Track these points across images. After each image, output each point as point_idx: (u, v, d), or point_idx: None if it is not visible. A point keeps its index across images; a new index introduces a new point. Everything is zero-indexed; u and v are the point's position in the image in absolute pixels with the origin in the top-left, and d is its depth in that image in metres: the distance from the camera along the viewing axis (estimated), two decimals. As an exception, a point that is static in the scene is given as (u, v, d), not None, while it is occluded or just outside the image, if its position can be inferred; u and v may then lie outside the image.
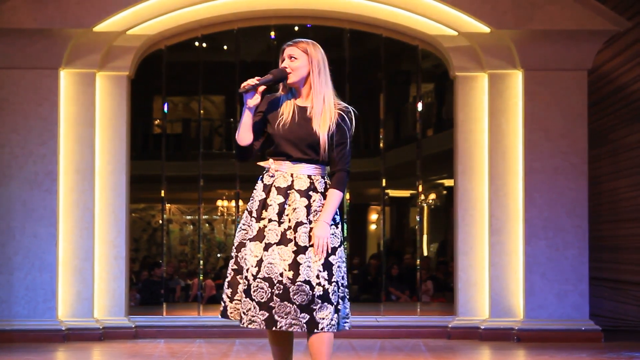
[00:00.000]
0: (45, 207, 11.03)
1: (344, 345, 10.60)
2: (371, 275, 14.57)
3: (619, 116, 12.89)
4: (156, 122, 16.20)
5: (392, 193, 15.54)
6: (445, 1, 11.19)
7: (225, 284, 5.28)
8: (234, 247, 5.29)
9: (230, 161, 13.61)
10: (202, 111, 13.52)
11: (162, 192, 12.76)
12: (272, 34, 12.75)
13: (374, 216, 17.02)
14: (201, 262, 13.71)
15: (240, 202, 13.06)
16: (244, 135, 5.25)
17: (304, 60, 5.24)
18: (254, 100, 5.20)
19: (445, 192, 15.77)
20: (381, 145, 12.98)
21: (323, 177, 5.26)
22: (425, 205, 15.88)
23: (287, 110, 5.26)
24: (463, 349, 10.32)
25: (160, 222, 14.33)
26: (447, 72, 12.03)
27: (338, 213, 5.26)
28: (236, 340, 11.06)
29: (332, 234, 5.17)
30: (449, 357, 9.55)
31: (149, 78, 12.53)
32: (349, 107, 5.32)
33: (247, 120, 5.22)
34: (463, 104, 11.62)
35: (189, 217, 17.95)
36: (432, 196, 16.20)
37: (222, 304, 5.29)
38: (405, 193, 15.96)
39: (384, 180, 12.92)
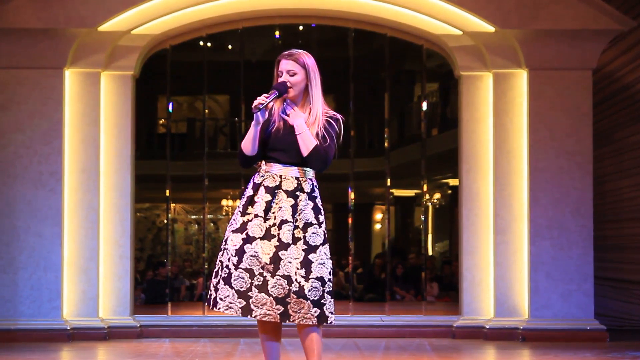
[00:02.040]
0: (50, 206, 11.04)
1: (349, 344, 10.60)
2: (376, 275, 14.57)
3: (623, 116, 12.88)
4: (161, 121, 16.20)
5: (397, 192, 15.53)
6: (450, 0, 11.18)
7: (214, 273, 5.60)
8: (223, 240, 5.58)
9: (235, 161, 13.55)
10: (206, 111, 13.52)
11: (167, 191, 12.76)
12: (277, 33, 12.75)
13: (378, 215, 17.02)
14: (206, 261, 13.71)
15: (245, 202, 13.04)
16: (252, 147, 5.56)
17: (302, 74, 5.53)
18: (264, 117, 5.50)
19: (450, 191, 15.76)
20: (386, 144, 12.97)
21: (310, 179, 5.55)
22: (430, 204, 15.88)
23: (279, 117, 5.56)
24: (468, 349, 10.32)
25: (165, 221, 14.34)
26: (451, 72, 12.03)
27: (322, 214, 5.54)
28: (241, 340, 11.07)
29: (314, 233, 5.45)
30: (454, 356, 9.54)
31: (154, 78, 12.53)
32: (337, 114, 5.61)
33: (256, 135, 5.53)
34: (468, 104, 11.61)
35: (193, 217, 17.94)
36: (437, 196, 16.19)
37: (209, 293, 5.62)
38: (410, 192, 15.95)
39: (388, 180, 12.91)
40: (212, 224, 17.67)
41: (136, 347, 10.34)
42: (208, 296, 5.59)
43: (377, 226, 16.93)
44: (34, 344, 10.58)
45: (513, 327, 11.20)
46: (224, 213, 17.84)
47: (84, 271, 11.18)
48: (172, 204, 14.99)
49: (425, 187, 12.95)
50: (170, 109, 13.22)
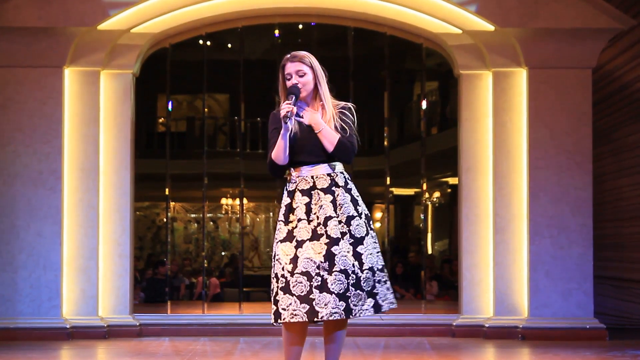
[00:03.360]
0: (49, 205, 11.04)
1: (349, 343, 10.60)
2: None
3: (622, 115, 12.88)
4: (160, 120, 16.23)
5: (397, 191, 15.56)
6: (450, -1, 11.19)
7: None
8: (273, 258, 5.63)
9: (235, 159, 13.62)
10: (206, 109, 13.54)
11: (167, 190, 12.77)
12: (277, 32, 12.75)
13: (378, 214, 17.03)
14: (205, 260, 13.72)
15: (245, 200, 13.07)
16: (284, 156, 5.57)
17: (310, 75, 5.61)
18: (292, 124, 5.55)
19: (449, 190, 15.78)
20: (385, 143, 12.97)
21: (342, 173, 5.64)
22: (429, 203, 15.89)
23: (293, 121, 5.58)
24: (467, 347, 10.32)
25: (165, 220, 14.35)
26: (451, 71, 12.03)
27: (361, 203, 5.64)
28: (240, 339, 11.07)
29: (358, 225, 5.52)
30: (454, 355, 9.55)
31: (154, 76, 12.54)
32: (348, 103, 5.71)
33: (287, 144, 5.55)
34: (467, 102, 11.61)
35: (193, 216, 17.97)
36: (437, 194, 16.21)
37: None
38: (410, 191, 15.97)
39: (388, 179, 12.92)
40: (211, 223, 17.68)
41: (136, 346, 10.35)
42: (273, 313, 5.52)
43: (377, 225, 16.95)
44: (34, 342, 10.58)
45: (513, 326, 11.20)
46: (223, 212, 17.86)
47: (83, 270, 11.18)
48: (171, 203, 15.00)
49: (424, 186, 12.96)
50: (169, 107, 13.23)
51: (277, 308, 5.42)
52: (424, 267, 13.19)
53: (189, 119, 16.87)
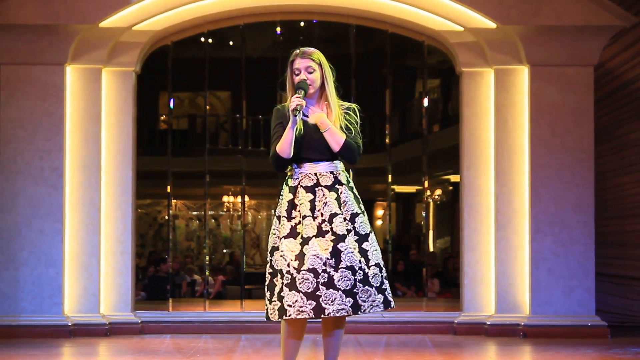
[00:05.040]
0: (51, 202, 11.05)
1: (350, 340, 10.60)
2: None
3: (624, 112, 12.88)
4: (162, 117, 16.22)
5: (398, 189, 15.56)
6: (451, -3, 11.19)
7: (265, 287, 5.61)
8: (268, 252, 5.63)
9: (236, 157, 13.62)
10: (208, 107, 13.52)
11: (168, 187, 12.77)
12: (278, 29, 12.75)
13: (380, 212, 17.03)
14: (207, 257, 13.72)
15: (247, 198, 13.07)
16: (289, 149, 5.55)
17: (319, 71, 5.62)
18: (300, 118, 5.55)
19: (451, 187, 15.78)
20: (387, 141, 12.98)
21: (344, 171, 5.65)
22: (431, 201, 15.88)
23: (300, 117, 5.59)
24: (469, 345, 10.32)
25: (166, 217, 14.34)
26: (453, 68, 12.03)
27: (361, 203, 5.65)
28: (242, 336, 11.07)
29: (362, 222, 5.55)
30: (455, 352, 9.55)
31: (155, 74, 12.53)
32: (352, 104, 5.73)
33: (292, 137, 5.54)
34: (469, 100, 11.61)
35: (195, 213, 17.96)
36: (438, 192, 16.21)
37: (265, 307, 5.59)
38: (411, 189, 15.96)
39: (390, 176, 12.92)
40: (213, 220, 17.68)
41: (137, 343, 10.35)
42: (267, 310, 5.53)
43: (379, 222, 16.94)
44: (36, 340, 10.59)
45: (514, 324, 11.20)
46: (225, 209, 17.85)
47: (85, 267, 11.18)
48: (173, 200, 14.99)
49: (426, 184, 12.95)
50: (171, 105, 13.22)
51: (283, 304, 5.40)
52: (426, 265, 13.19)
53: (190, 117, 16.86)
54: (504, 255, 11.30)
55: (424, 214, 13.55)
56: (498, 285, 11.30)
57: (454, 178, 14.80)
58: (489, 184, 11.48)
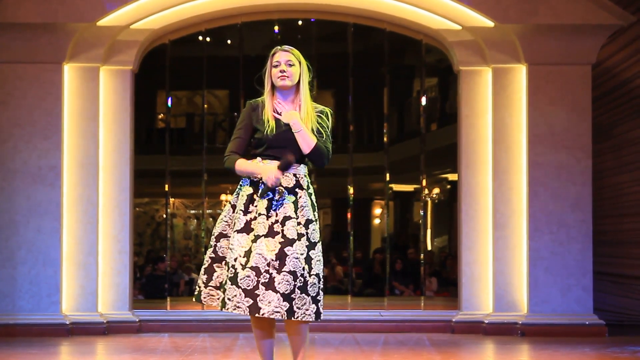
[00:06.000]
0: (49, 201, 11.04)
1: (348, 339, 10.61)
2: (375, 270, 14.57)
3: (622, 111, 12.88)
4: (160, 116, 16.20)
5: (396, 187, 15.54)
6: (449, -5, 11.19)
7: (202, 270, 5.63)
8: (213, 237, 5.63)
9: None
10: (205, 105, 13.52)
11: (166, 186, 12.76)
12: (276, 28, 12.75)
13: (377, 210, 17.02)
14: (205, 256, 13.70)
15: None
16: (240, 173, 5.60)
17: (298, 68, 5.59)
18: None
19: (449, 186, 15.77)
20: (385, 139, 12.97)
21: (306, 176, 5.62)
22: (429, 199, 15.88)
23: (272, 115, 5.58)
24: (467, 344, 10.33)
25: (164, 216, 14.34)
26: (451, 67, 12.02)
27: (317, 210, 5.61)
28: (240, 335, 11.07)
29: (314, 230, 5.51)
30: (453, 351, 9.55)
31: (153, 72, 12.53)
32: (326, 108, 5.70)
33: (252, 173, 5.54)
34: (467, 99, 11.61)
35: (192, 212, 17.95)
36: (436, 191, 16.20)
37: (197, 288, 5.64)
38: (409, 187, 15.95)
39: (387, 175, 12.92)
40: (211, 219, 17.67)
41: (135, 342, 10.35)
42: (198, 290, 5.60)
43: (376, 221, 16.94)
44: (33, 338, 10.58)
45: (512, 322, 11.21)
46: (223, 208, 17.85)
47: (83, 266, 11.18)
48: (171, 199, 14.99)
49: (424, 182, 12.95)
50: (169, 103, 13.21)
51: (224, 297, 5.44)
52: (424, 263, 13.19)
53: (188, 115, 16.84)
54: (501, 254, 11.31)
55: (421, 212, 13.54)
56: (496, 284, 11.30)
57: (451, 177, 14.79)
58: (486, 183, 11.48)
